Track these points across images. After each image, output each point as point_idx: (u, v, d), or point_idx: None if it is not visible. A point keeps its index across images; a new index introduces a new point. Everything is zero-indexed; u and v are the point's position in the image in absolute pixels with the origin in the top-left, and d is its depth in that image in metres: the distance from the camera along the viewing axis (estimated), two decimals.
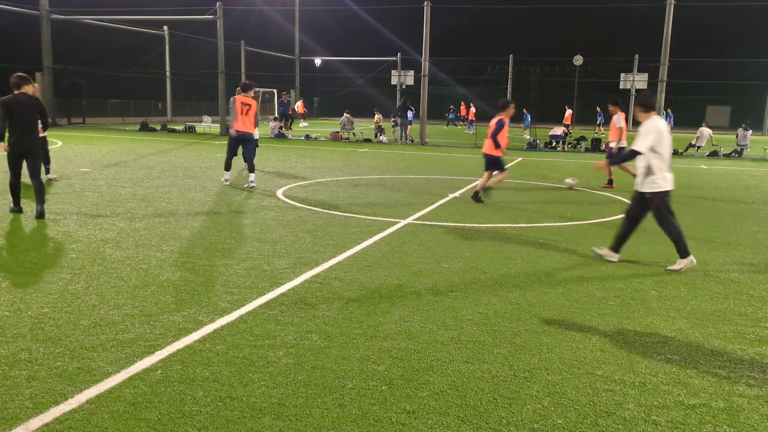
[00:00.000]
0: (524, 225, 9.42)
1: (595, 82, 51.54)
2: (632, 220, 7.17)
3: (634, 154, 6.94)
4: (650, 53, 34.29)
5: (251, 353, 4.38)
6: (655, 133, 6.82)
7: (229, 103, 12.46)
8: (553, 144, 26.96)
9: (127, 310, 5.13)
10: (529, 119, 36.98)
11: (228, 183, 12.75)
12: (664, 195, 6.91)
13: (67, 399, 3.63)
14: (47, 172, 12.29)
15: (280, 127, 29.77)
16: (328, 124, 43.26)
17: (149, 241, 7.60)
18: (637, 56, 44.94)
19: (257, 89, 12.30)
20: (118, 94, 40.82)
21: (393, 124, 30.19)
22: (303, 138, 28.75)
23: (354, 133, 29.61)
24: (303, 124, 39.71)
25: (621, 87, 39.10)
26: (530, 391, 3.96)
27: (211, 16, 30.02)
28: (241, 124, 12.25)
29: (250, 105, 12.24)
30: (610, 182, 14.08)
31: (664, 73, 25.45)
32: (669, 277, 6.69)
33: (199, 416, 3.51)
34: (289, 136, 29.32)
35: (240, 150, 12.54)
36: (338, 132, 29.27)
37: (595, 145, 26.53)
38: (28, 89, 8.85)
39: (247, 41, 44.77)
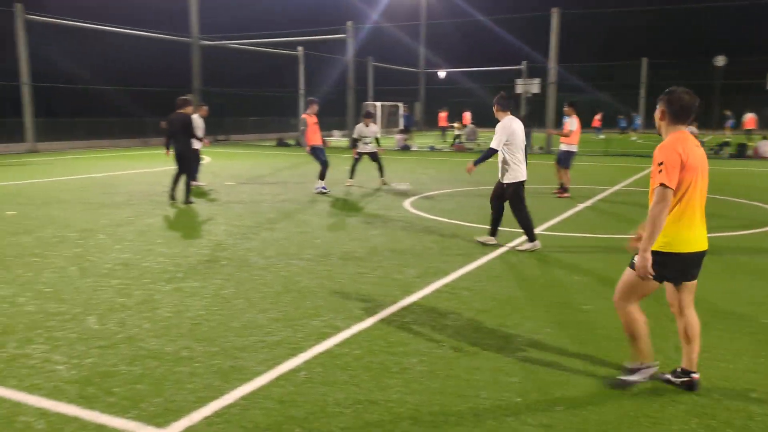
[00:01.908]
0: None
1: (740, 83, 47.88)
2: (498, 207, 8.25)
3: (491, 153, 7.90)
4: None
5: (386, 359, 4.55)
6: (507, 131, 7.74)
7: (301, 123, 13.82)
8: None
9: (272, 314, 5.49)
10: (637, 122, 35.35)
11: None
12: (518, 185, 7.92)
13: (223, 395, 3.97)
14: (194, 179, 13.86)
15: (405, 139, 30.27)
16: (450, 135, 43.31)
17: (288, 249, 8.05)
18: None
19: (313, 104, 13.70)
20: (256, 113, 43.37)
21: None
22: (428, 149, 29.04)
23: (478, 143, 29.50)
24: (457, 132, 39.75)
25: None
26: (676, 411, 3.81)
27: (342, 35, 31.17)
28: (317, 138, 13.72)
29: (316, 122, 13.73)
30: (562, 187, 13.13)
31: None
32: None
33: (341, 417, 3.71)
34: (414, 148, 29.70)
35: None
36: (461, 143, 29.26)
37: (741, 151, 24.66)
38: (187, 110, 11.93)
39: (375, 57, 45.96)
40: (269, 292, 6.16)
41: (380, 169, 15.02)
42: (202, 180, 15.11)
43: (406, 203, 12.09)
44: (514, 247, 8.14)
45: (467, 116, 42.29)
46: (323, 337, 4.96)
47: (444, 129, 37.97)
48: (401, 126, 41.15)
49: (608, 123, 43.29)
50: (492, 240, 8.35)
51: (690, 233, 3.95)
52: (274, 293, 6.14)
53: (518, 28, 50.22)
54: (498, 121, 8.11)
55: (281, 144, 33.35)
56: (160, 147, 13.28)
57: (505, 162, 7.95)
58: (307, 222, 10.07)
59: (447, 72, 53.57)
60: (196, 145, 13.09)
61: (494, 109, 8.02)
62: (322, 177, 13.67)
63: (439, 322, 5.32)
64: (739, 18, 51.59)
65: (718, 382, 4.20)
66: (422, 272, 6.94)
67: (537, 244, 8.03)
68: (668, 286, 4.20)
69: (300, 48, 43.69)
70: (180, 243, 8.47)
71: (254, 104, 43.72)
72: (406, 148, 29.36)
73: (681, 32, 55.75)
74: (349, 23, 30.85)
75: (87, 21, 28.90)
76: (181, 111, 11.94)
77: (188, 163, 12.14)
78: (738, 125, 35.22)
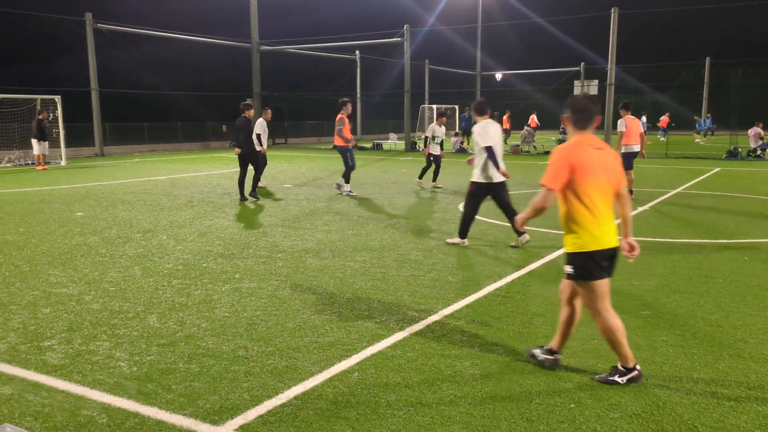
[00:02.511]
0: (725, 240, 8.67)
1: None
2: (474, 207, 8.50)
3: (489, 151, 8.11)
4: None
5: (439, 362, 4.55)
6: (484, 133, 8.14)
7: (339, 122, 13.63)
8: (758, 152, 24.34)
9: (326, 316, 5.57)
10: (708, 122, 33.85)
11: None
12: (483, 186, 8.25)
13: (277, 394, 4.05)
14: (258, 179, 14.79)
15: (462, 142, 30.13)
16: (511, 138, 42.87)
17: (344, 251, 8.14)
18: None
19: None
20: (314, 116, 43.99)
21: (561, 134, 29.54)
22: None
23: (534, 146, 29.10)
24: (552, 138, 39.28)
25: None
26: (737, 422, 3.68)
27: (399, 39, 31.28)
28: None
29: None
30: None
31: None
32: None
33: (393, 419, 3.73)
34: (469, 150, 29.55)
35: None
36: (518, 145, 28.93)
37: None
38: (249, 113, 12.85)
39: (431, 60, 45.93)
40: (324, 294, 6.24)
41: (436, 172, 15.04)
42: (263, 182, 15.51)
43: (460, 206, 12.02)
44: (447, 241, 8.73)
45: (534, 118, 41.81)
46: (376, 338, 5.00)
47: (507, 132, 37.51)
48: (458, 129, 41.03)
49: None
50: (464, 242, 8.61)
51: (598, 231, 4.10)
52: (328, 294, 6.22)
53: (576, 30, 49.33)
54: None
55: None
56: (221, 150, 13.69)
57: (485, 163, 8.24)
58: (362, 225, 10.15)
59: (503, 74, 53.04)
60: (258, 147, 13.89)
61: (472, 113, 8.65)
62: (347, 179, 14.05)
63: (492, 326, 5.28)
64: None
65: None
66: (476, 275, 6.91)
67: (465, 242, 8.56)
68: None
69: (357, 52, 44.14)
70: (238, 244, 8.67)
71: (312, 108, 44.34)
72: (462, 151, 29.21)
73: (745, 31, 53.65)
74: (406, 26, 30.93)
75: (153, 28, 29.95)
76: (244, 115, 12.88)
77: (254, 163, 13.23)
78: None
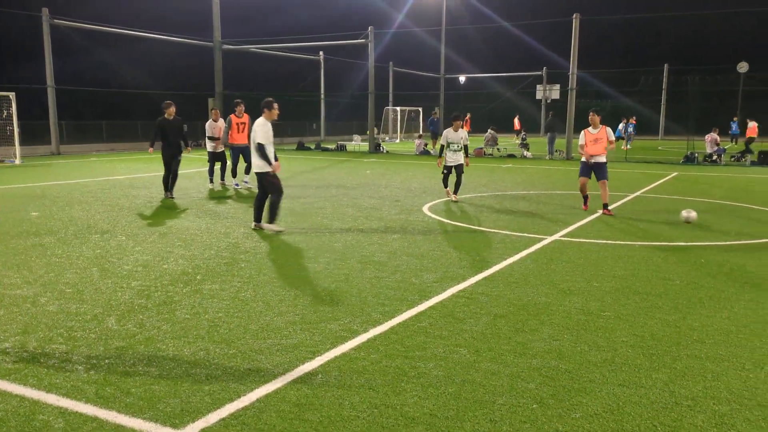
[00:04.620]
0: (683, 243, 8.88)
1: (762, 90, 47.19)
2: (263, 194, 9.55)
3: (260, 147, 9.13)
4: None
5: (403, 364, 4.54)
6: (262, 128, 9.24)
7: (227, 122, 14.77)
8: (714, 158, 25.05)
9: (289, 317, 5.51)
10: (630, 128, 34.07)
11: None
12: (268, 174, 9.26)
13: (240, 397, 3.99)
14: (223, 179, 15.70)
15: (425, 144, 30.26)
16: (473, 141, 43.29)
17: (307, 253, 8.08)
18: None
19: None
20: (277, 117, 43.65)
21: (522, 139, 29.96)
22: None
23: (498, 149, 29.41)
24: (515, 141, 39.30)
25: None
26: (694, 421, 3.76)
27: (363, 40, 31.26)
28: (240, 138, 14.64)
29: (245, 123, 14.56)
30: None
31: None
32: None
33: (356, 421, 3.71)
34: (432, 153, 29.67)
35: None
36: (482, 148, 29.19)
37: (764, 159, 24.29)
38: (170, 112, 12.94)
39: (396, 62, 46.05)
40: (287, 295, 6.18)
41: (458, 183, 13.05)
42: (220, 181, 15.47)
43: (425, 208, 12.08)
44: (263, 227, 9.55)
45: (517, 122, 42.26)
46: (340, 340, 4.97)
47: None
48: (421, 131, 41.20)
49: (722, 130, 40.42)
50: (275, 228, 9.48)
51: None
52: (292, 296, 6.16)
53: (540, 33, 50.04)
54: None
55: (301, 147, 33.53)
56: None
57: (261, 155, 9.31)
58: (326, 225, 10.10)
59: (468, 77, 53.49)
60: (209, 146, 15.10)
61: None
62: (234, 174, 15.14)
63: (456, 327, 5.30)
64: (763, 24, 50.94)
65: (740, 392, 4.14)
66: (440, 277, 6.93)
67: (270, 227, 9.43)
68: None
69: (321, 53, 43.99)
70: (199, 245, 8.54)
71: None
72: (425, 153, 29.34)
73: (703, 39, 55.18)
74: (370, 28, 30.94)
75: (112, 26, 29.32)
76: (166, 115, 13.06)
77: (170, 164, 13.27)
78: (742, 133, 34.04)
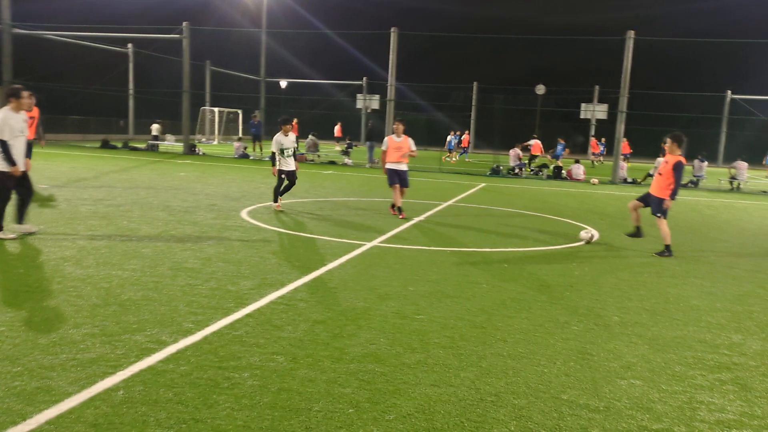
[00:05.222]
0: (489, 249, 9.52)
1: (557, 111, 52.78)
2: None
3: (3, 144, 8.01)
4: (610, 84, 35.25)
5: (216, 374, 4.31)
6: (6, 122, 8.10)
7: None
8: (516, 171, 27.39)
9: (87, 330, 5.00)
10: (452, 144, 36.45)
11: None
12: (5, 175, 8.11)
13: (25, 419, 3.52)
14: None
15: (245, 147, 29.63)
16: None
17: (111, 259, 7.44)
18: (597, 87, 46.20)
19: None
20: (79, 111, 40.14)
21: (347, 146, 30.59)
22: (267, 159, 28.62)
23: (319, 155, 29.63)
24: (337, 148, 38.82)
25: (582, 116, 40.09)
26: (497, 415, 3.98)
27: (177, 36, 29.83)
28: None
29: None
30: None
31: (623, 104, 26.18)
32: (632, 304, 6.83)
33: None
34: (252, 157, 29.16)
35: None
36: (303, 154, 29.21)
37: (557, 173, 27.04)
38: None
39: (213, 61, 44.60)
40: (85, 306, 5.62)
41: (288, 188, 12.69)
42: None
43: (244, 213, 11.75)
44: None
45: (338, 129, 42.57)
46: (146, 353, 4.60)
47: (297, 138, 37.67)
48: (240, 134, 40.30)
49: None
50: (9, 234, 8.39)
51: None
52: (90, 306, 5.61)
53: (361, 44, 51.45)
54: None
55: (106, 146, 31.08)
56: None
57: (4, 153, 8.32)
58: (134, 230, 9.41)
59: (289, 82, 53.36)
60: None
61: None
62: None
63: (273, 335, 5.16)
64: (562, 50, 56.95)
65: (536, 386, 4.47)
66: (258, 283, 6.73)
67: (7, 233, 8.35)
68: None
69: (130, 45, 41.31)
70: None
71: (76, 102, 40.47)
72: (244, 156, 28.72)
73: (508, 61, 60.40)
74: (185, 23, 29.63)
75: None
76: None
77: None
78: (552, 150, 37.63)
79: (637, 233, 10.47)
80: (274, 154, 12.40)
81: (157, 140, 31.79)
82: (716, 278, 8.41)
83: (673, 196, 9.65)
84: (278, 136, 12.38)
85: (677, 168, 9.57)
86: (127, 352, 4.59)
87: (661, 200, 9.74)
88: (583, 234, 10.68)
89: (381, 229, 10.67)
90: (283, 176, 12.41)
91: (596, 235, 10.66)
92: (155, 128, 32.32)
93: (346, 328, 5.43)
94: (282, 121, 12.43)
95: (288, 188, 12.70)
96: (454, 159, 35.63)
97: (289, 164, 12.50)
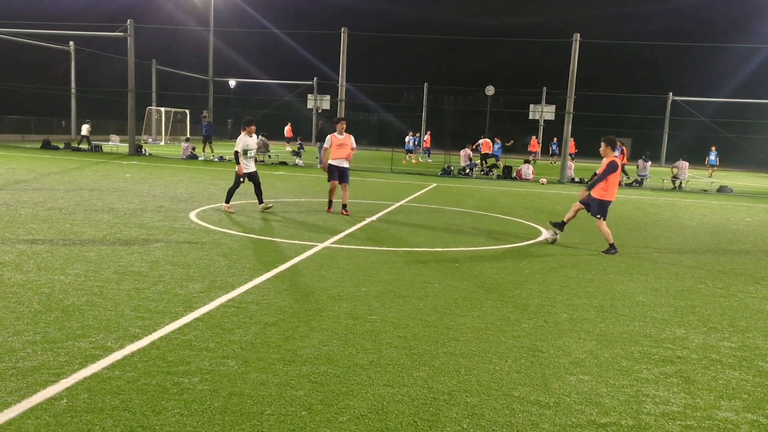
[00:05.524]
0: (440, 249, 9.58)
1: (506, 111, 53.60)
2: None
3: (236, 155, 9.67)
4: (558, 86, 36.02)
5: (164, 380, 4.21)
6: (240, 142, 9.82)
7: None
8: (467, 171, 27.69)
9: (28, 337, 4.81)
10: (412, 144, 36.46)
11: None
12: None
13: None
14: None
15: (193, 148, 29.10)
16: None
17: (53, 264, 7.18)
18: (545, 89, 47.12)
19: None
20: (18, 111, 38.68)
21: (298, 147, 30.40)
22: (216, 159, 28.18)
23: (269, 156, 29.34)
24: (287, 149, 38.31)
25: (530, 117, 40.79)
26: (450, 413, 4.00)
27: (122, 33, 29.08)
28: None
29: None
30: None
31: (570, 105, 26.78)
32: (580, 301, 6.97)
33: None
34: (201, 158, 28.66)
35: None
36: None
37: (507, 173, 27.44)
38: None
39: (159, 60, 43.66)
40: (25, 312, 5.41)
41: (259, 191, 12.55)
42: None
43: (192, 215, 11.53)
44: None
45: (288, 129, 42.14)
46: (91, 359, 4.46)
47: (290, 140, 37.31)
48: (188, 134, 39.56)
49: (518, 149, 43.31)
50: None
51: None
52: (31, 313, 5.40)
53: (312, 44, 51.17)
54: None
55: (47, 146, 30.06)
56: None
57: None
58: (77, 233, 9.12)
59: (238, 82, 52.70)
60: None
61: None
62: None
63: (224, 338, 5.07)
64: (511, 52, 57.86)
65: (488, 384, 4.51)
66: (207, 286, 6.61)
67: None
68: None
69: (71, 43, 40.08)
70: None
71: (15, 101, 39.01)
72: (193, 157, 28.20)
73: (457, 62, 61.05)
74: (130, 21, 28.90)
75: None
76: None
77: None
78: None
79: (559, 225, 10.87)
80: (237, 153, 12.17)
81: (86, 140, 30.53)
82: (660, 274, 8.67)
83: (590, 188, 10.22)
84: (243, 137, 12.24)
85: (608, 166, 9.98)
86: (71, 360, 4.43)
87: (599, 201, 10.09)
88: (546, 234, 10.96)
89: (333, 230, 10.62)
90: (242, 179, 12.23)
91: (558, 237, 10.82)
92: (85, 128, 31.06)
93: (298, 330, 5.38)
94: (246, 122, 12.37)
95: (259, 191, 12.51)
96: (415, 160, 35.78)
97: (250, 165, 12.38)
